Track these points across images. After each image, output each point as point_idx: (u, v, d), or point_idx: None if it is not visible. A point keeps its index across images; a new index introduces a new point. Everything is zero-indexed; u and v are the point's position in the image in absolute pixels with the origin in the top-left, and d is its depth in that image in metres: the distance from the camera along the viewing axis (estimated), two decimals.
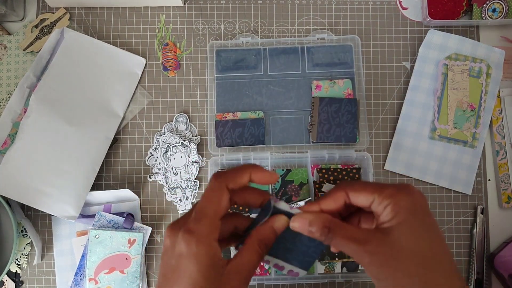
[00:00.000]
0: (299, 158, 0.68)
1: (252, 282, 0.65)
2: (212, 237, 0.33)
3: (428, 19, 0.69)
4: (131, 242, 0.64)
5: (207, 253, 0.32)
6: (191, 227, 0.32)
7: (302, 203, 0.64)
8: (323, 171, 0.68)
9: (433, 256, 0.31)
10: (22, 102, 0.67)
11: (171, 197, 0.68)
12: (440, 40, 0.69)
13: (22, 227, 0.67)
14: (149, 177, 0.69)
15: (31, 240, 0.67)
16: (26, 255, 0.68)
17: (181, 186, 0.68)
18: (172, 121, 0.70)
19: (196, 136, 0.70)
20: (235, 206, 0.70)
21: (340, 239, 0.34)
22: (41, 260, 0.68)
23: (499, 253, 0.65)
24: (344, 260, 0.66)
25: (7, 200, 0.63)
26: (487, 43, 0.71)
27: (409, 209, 0.33)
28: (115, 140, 0.70)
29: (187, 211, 0.69)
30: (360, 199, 0.35)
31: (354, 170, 0.68)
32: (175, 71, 0.71)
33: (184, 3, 0.73)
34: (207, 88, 0.71)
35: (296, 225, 0.35)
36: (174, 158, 0.68)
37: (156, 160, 0.69)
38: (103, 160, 0.67)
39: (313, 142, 0.69)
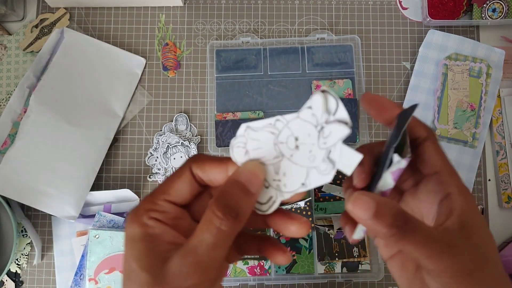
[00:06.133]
0: None
1: (251, 282, 0.65)
2: (148, 216, 0.25)
3: (428, 19, 0.69)
4: None
5: (140, 234, 0.25)
6: (132, 208, 0.26)
7: (302, 203, 0.64)
8: None
9: None
10: (22, 102, 0.67)
11: None
12: (440, 40, 0.69)
13: (22, 227, 0.67)
14: (149, 177, 0.69)
15: (31, 240, 0.67)
16: (26, 255, 0.68)
17: None
18: (172, 121, 0.70)
19: (196, 136, 0.70)
20: None
21: (411, 244, 0.24)
22: (41, 260, 0.68)
23: (499, 253, 0.65)
24: (344, 260, 0.66)
25: (7, 200, 0.63)
26: (487, 43, 0.71)
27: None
28: (115, 140, 0.70)
29: None
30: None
31: None
32: (175, 71, 0.71)
33: (184, 3, 0.73)
34: (207, 88, 0.71)
35: (351, 208, 0.25)
36: (174, 158, 0.68)
37: (156, 160, 0.69)
38: (103, 160, 0.67)
39: None
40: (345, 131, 0.24)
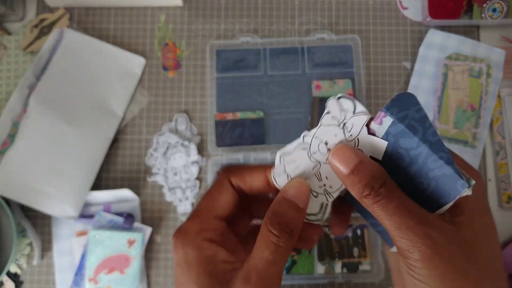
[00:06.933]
0: None
1: None
2: (202, 237, 0.27)
3: (428, 19, 0.68)
4: (131, 242, 0.64)
5: (196, 257, 0.26)
6: (179, 229, 0.27)
7: None
8: None
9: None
10: (22, 102, 0.67)
11: (171, 197, 0.68)
12: (440, 40, 0.69)
13: (22, 227, 0.67)
14: (149, 177, 0.69)
15: (31, 241, 0.67)
16: (26, 255, 0.68)
17: (181, 187, 0.68)
18: (172, 121, 0.70)
19: (196, 136, 0.70)
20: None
21: (382, 210, 0.22)
22: (41, 260, 0.68)
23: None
24: (345, 260, 0.66)
25: (7, 201, 0.63)
26: (487, 43, 0.71)
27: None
28: (115, 140, 0.70)
29: (188, 211, 0.69)
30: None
31: None
32: (175, 71, 0.71)
33: (184, 3, 0.73)
34: (207, 88, 0.71)
35: (330, 159, 0.26)
36: (174, 158, 0.68)
37: (156, 160, 0.69)
38: (103, 160, 0.67)
39: None
40: (365, 117, 0.26)
